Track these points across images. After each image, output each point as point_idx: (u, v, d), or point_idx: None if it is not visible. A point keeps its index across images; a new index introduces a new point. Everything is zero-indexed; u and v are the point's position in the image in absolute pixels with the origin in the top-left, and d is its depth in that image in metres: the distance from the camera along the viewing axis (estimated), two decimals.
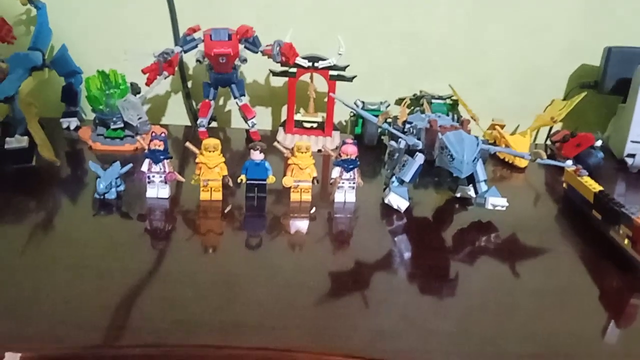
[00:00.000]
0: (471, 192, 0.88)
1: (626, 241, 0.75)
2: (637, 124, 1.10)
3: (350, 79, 1.11)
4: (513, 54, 1.25)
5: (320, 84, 1.14)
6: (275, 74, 1.13)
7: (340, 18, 1.21)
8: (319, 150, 1.07)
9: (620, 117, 1.17)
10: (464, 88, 1.19)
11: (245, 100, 1.12)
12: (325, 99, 1.16)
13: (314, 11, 1.20)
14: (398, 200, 0.85)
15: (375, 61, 1.23)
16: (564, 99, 1.24)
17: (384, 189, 0.89)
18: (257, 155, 0.84)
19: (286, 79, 1.14)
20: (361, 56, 1.14)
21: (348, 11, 1.21)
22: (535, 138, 1.31)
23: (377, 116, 0.88)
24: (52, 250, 0.72)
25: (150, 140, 0.84)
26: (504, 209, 0.83)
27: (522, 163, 1.08)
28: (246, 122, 1.13)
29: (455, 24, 1.23)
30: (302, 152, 0.85)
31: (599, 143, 1.07)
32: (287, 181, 0.86)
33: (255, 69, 1.20)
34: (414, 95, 1.23)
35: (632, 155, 1.10)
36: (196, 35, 1.06)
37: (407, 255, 0.77)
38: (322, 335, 0.60)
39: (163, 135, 0.85)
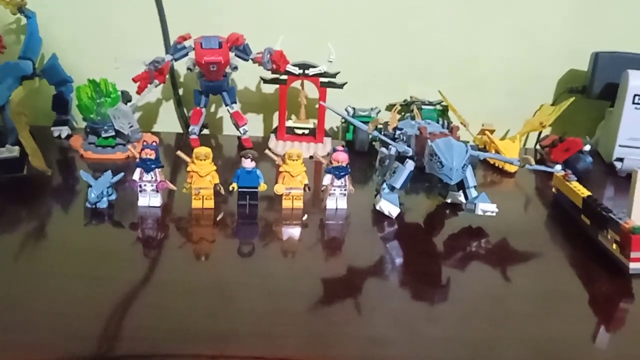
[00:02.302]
0: (461, 198, 0.88)
1: (614, 246, 0.76)
2: (624, 128, 1.11)
3: (341, 86, 1.12)
4: (503, 59, 1.26)
5: (311, 90, 1.15)
6: (266, 81, 1.13)
7: (330, 25, 1.21)
8: (311, 157, 1.07)
9: (608, 121, 1.18)
10: (454, 93, 1.19)
11: (237, 107, 1.12)
12: (316, 106, 1.16)
13: (304, 19, 1.20)
14: (389, 207, 0.85)
15: (365, 67, 1.24)
16: (553, 104, 1.25)
17: (375, 196, 0.90)
18: (248, 164, 0.84)
19: (277, 86, 1.14)
20: (351, 63, 1.14)
21: (338, 18, 1.21)
22: (524, 143, 1.32)
23: (367, 123, 0.89)
24: (44, 260, 0.72)
25: (142, 149, 0.84)
26: (494, 214, 0.83)
27: (511, 168, 1.08)
28: (238, 129, 1.13)
29: (446, 29, 1.24)
30: (293, 160, 0.86)
31: (587, 147, 1.07)
32: (279, 189, 0.86)
33: (246, 76, 1.20)
34: (404, 101, 1.23)
35: (621, 160, 1.12)
36: (187, 43, 1.06)
37: (399, 261, 0.78)
38: (315, 342, 0.60)
39: (154, 144, 0.85)
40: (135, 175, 0.84)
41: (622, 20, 1.24)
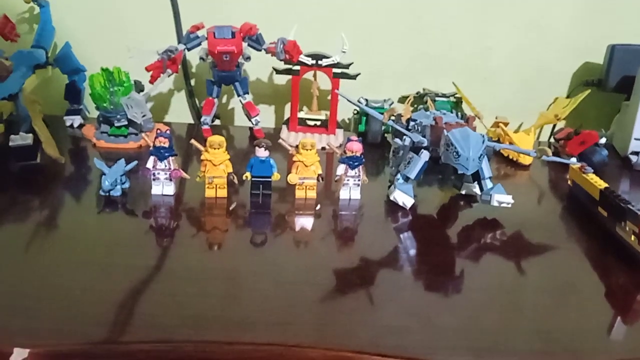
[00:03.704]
0: (476, 189, 0.87)
1: (632, 238, 0.74)
2: None
3: (354, 77, 1.11)
4: (517, 51, 1.25)
5: (323, 81, 1.14)
6: (278, 71, 1.13)
7: (343, 16, 1.21)
8: (323, 148, 1.07)
9: (624, 114, 1.17)
10: (467, 85, 1.19)
11: (249, 98, 1.12)
12: (329, 97, 1.16)
13: (317, 9, 1.20)
14: (403, 197, 0.85)
15: (378, 59, 1.23)
16: (568, 97, 1.24)
17: (389, 186, 0.89)
18: (262, 153, 0.84)
19: (290, 76, 1.14)
20: (365, 54, 1.14)
21: (352, 9, 1.21)
22: (538, 136, 1.31)
23: (380, 114, 0.88)
24: (57, 247, 0.72)
25: (156, 138, 0.83)
26: (510, 205, 0.83)
27: (526, 160, 1.07)
28: (250, 119, 1.13)
29: (459, 21, 1.23)
30: (307, 150, 0.85)
31: (603, 140, 1.06)
32: (292, 178, 0.86)
33: (259, 66, 1.20)
34: (417, 93, 1.23)
35: (636, 153, 1.10)
36: (199, 33, 1.05)
37: (413, 252, 0.77)
38: (329, 331, 0.60)
39: (168, 132, 0.85)
40: (149, 164, 0.84)
41: (638, 13, 1.22)
